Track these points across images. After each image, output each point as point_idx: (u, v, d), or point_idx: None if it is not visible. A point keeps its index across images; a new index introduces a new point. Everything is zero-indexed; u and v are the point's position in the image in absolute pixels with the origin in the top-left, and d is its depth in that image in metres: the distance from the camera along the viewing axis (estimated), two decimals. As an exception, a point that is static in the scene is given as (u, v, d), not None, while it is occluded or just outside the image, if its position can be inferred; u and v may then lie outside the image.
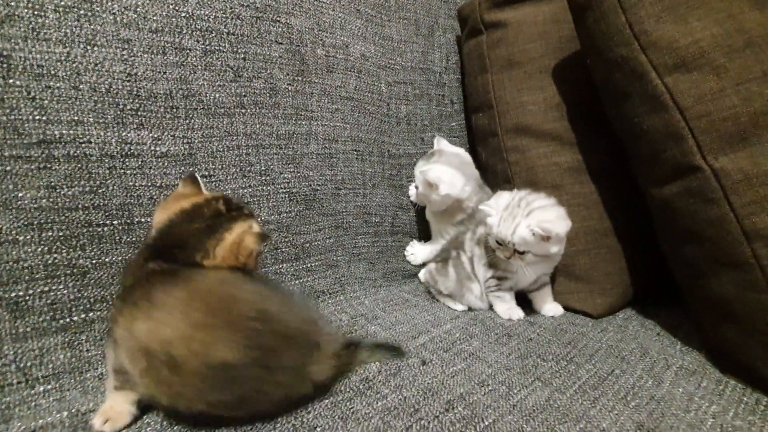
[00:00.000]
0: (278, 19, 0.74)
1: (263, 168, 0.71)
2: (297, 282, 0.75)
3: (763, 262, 0.53)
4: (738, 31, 0.56)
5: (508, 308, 0.75)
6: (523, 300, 0.78)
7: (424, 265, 0.90)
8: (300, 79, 0.76)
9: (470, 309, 0.78)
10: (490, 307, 0.78)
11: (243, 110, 0.70)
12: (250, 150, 0.70)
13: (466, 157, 0.88)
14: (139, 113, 0.62)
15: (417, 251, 0.91)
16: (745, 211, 0.54)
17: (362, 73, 0.84)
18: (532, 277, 0.73)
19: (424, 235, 0.94)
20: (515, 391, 0.53)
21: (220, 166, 0.67)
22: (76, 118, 0.57)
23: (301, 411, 0.48)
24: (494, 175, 0.91)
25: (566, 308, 0.80)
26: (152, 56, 0.63)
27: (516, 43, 0.86)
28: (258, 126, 0.71)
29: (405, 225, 0.92)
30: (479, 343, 0.65)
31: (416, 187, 0.85)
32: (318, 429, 0.45)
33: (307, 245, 0.77)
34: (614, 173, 0.79)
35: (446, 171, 0.81)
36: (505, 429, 0.47)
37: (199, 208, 0.52)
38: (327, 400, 0.50)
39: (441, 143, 0.89)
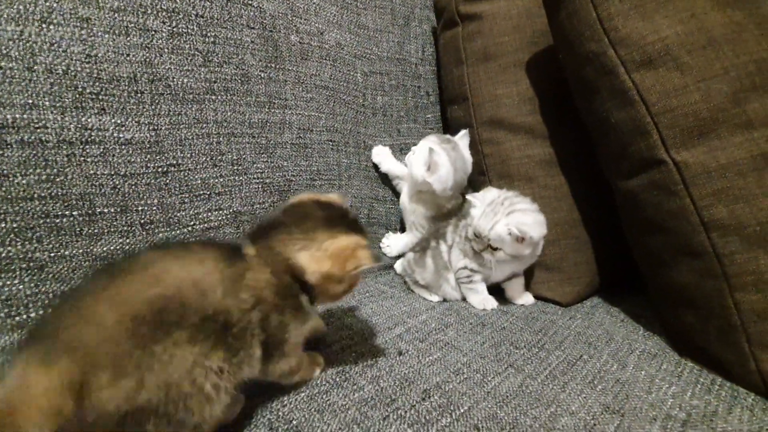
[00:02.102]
0: (250, 2, 0.72)
1: (235, 157, 0.69)
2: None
3: (719, 251, 0.56)
4: (700, 30, 0.58)
5: (482, 299, 0.77)
6: (496, 289, 0.80)
7: (399, 256, 0.90)
8: (273, 66, 0.74)
9: (445, 300, 0.79)
10: (464, 298, 0.79)
11: (213, 97, 0.67)
12: (221, 138, 0.68)
13: (468, 163, 0.85)
14: (100, 97, 0.58)
15: (392, 243, 0.91)
16: (704, 202, 0.57)
17: (337, 61, 0.83)
18: (501, 276, 0.75)
19: (401, 227, 0.94)
20: (489, 379, 0.55)
21: (189, 155, 0.65)
22: (30, 101, 0.53)
23: (276, 405, 0.47)
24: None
25: (537, 297, 0.82)
26: (114, 37, 0.59)
27: (491, 36, 0.87)
28: (229, 113, 0.69)
29: (381, 217, 0.92)
30: (454, 332, 0.66)
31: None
32: (294, 422, 0.45)
33: (281, 237, 0.75)
34: (584, 166, 0.82)
35: (447, 168, 0.78)
36: (479, 415, 0.48)
37: (329, 203, 0.50)
38: (303, 393, 0.50)
39: (463, 139, 0.85)
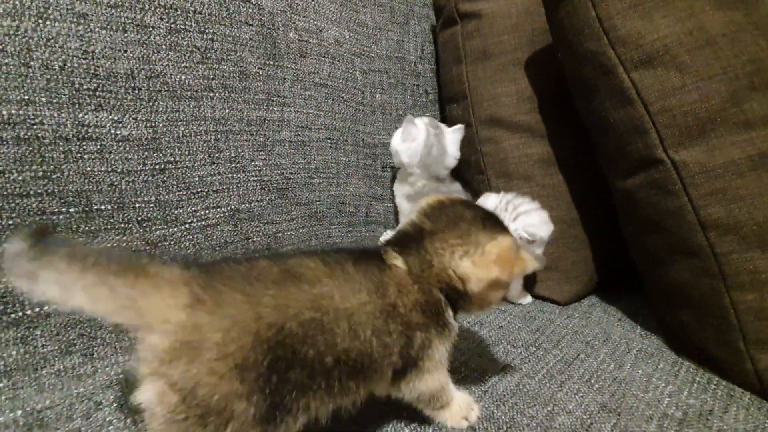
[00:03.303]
0: (248, -1, 0.71)
1: (233, 155, 0.69)
2: (268, 272, 0.73)
3: (717, 251, 0.57)
4: (699, 29, 0.58)
5: None
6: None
7: None
8: (271, 63, 0.74)
9: None
10: None
11: (211, 94, 0.67)
12: (219, 136, 0.68)
13: (449, 155, 0.86)
14: (97, 94, 0.58)
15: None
16: (702, 202, 0.57)
17: (336, 59, 0.83)
18: None
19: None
20: (487, 377, 0.55)
21: (186, 152, 0.64)
22: (26, 97, 0.53)
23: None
24: (467, 165, 0.92)
25: (535, 296, 0.82)
26: (111, 33, 0.59)
27: (490, 35, 0.87)
28: (227, 111, 0.68)
29: (379, 215, 0.92)
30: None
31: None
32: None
33: (280, 235, 0.75)
34: (582, 165, 0.82)
35: (419, 144, 0.81)
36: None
37: (468, 201, 0.48)
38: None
39: (455, 133, 0.87)
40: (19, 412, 0.45)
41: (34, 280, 0.30)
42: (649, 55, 0.59)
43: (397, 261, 0.41)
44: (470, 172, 0.91)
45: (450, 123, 0.97)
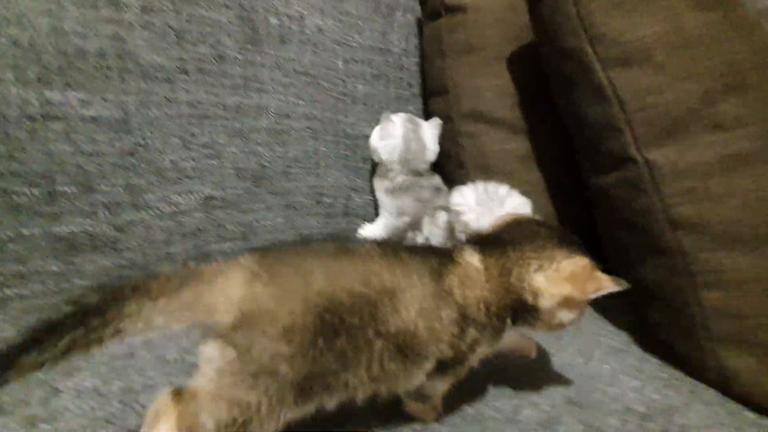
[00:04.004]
0: (228, -19, 0.70)
1: (207, 140, 0.68)
2: (243, 261, 0.72)
3: (685, 249, 0.57)
4: (677, 30, 0.59)
5: None
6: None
7: None
8: (250, 48, 0.72)
9: None
10: None
11: (186, 76, 0.65)
12: (193, 120, 0.66)
13: (427, 150, 0.86)
14: (65, 72, 0.56)
15: (369, 233, 0.90)
16: (672, 201, 0.58)
17: (318, 47, 0.81)
18: None
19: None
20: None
21: (158, 135, 0.63)
22: (-11, 72, 0.51)
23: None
24: (448, 159, 0.92)
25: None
26: (83, 10, 0.57)
27: (474, 28, 0.87)
28: (202, 95, 0.67)
29: (359, 208, 0.91)
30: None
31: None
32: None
33: (255, 224, 0.74)
34: (561, 162, 0.82)
35: (397, 140, 0.81)
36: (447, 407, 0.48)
37: (547, 223, 0.48)
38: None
39: (432, 128, 0.88)
40: (-29, 398, 0.43)
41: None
42: (626, 54, 0.60)
43: (473, 259, 0.42)
44: (450, 166, 0.90)
45: (432, 117, 0.97)
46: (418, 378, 0.40)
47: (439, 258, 0.41)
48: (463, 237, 0.71)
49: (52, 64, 0.55)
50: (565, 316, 0.43)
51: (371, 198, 0.93)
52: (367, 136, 0.91)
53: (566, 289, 0.41)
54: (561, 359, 0.59)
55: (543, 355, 0.60)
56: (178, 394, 0.37)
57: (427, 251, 0.42)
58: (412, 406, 0.45)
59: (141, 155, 0.61)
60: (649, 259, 0.62)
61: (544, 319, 0.43)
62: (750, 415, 0.54)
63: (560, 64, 0.68)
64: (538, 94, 0.82)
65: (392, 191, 0.84)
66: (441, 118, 0.93)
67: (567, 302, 0.42)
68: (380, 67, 0.94)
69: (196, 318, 0.33)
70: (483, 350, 0.43)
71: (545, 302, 0.41)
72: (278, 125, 0.76)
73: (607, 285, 0.42)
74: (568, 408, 0.50)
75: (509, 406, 0.50)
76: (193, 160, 0.66)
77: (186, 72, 0.65)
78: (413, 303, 0.37)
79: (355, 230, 0.91)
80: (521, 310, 0.42)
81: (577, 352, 0.61)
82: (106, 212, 0.58)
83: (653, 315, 0.63)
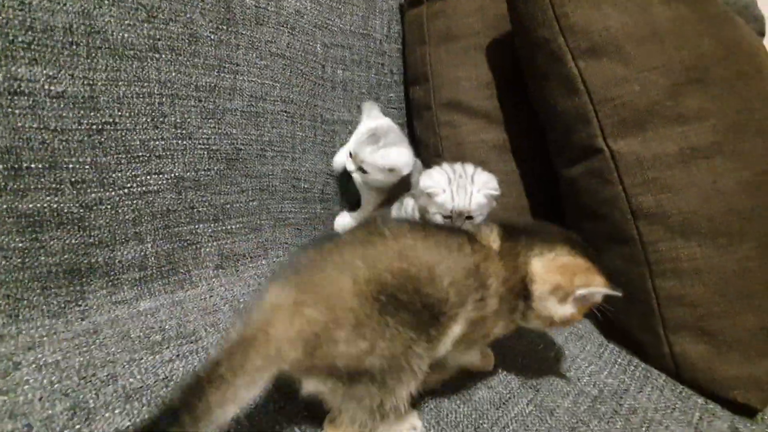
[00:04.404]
0: (202, -41, 0.68)
1: (179, 120, 0.67)
2: (215, 244, 0.72)
3: (645, 239, 0.59)
4: (646, 22, 0.59)
5: None
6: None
7: None
8: (225, 28, 0.71)
9: None
10: None
11: (157, 55, 0.64)
12: (164, 99, 0.65)
13: (395, 126, 0.83)
14: (32, 47, 0.55)
15: (347, 222, 0.90)
16: (634, 191, 0.59)
17: (296, 30, 0.81)
18: None
19: (357, 205, 0.94)
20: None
21: (127, 114, 0.62)
22: (-51, 44, 0.50)
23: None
24: (426, 148, 0.92)
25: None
26: (48, -17, 0.56)
27: (454, 17, 0.86)
28: (174, 74, 0.66)
29: (335, 193, 0.91)
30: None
31: (362, 170, 0.78)
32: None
33: (228, 206, 0.74)
34: (535, 154, 0.83)
35: (404, 152, 0.77)
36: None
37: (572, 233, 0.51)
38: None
39: (379, 120, 0.82)
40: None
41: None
42: (596, 45, 0.60)
43: (494, 240, 0.46)
44: (428, 154, 0.91)
45: (413, 105, 0.97)
46: (447, 342, 0.43)
47: (463, 236, 0.44)
48: (439, 218, 0.72)
49: (18, 39, 0.54)
50: (555, 308, 0.45)
51: (348, 183, 0.93)
52: (346, 122, 0.91)
53: (556, 278, 0.44)
54: (521, 344, 0.61)
55: (504, 342, 0.61)
56: (330, 418, 0.40)
57: (449, 229, 0.46)
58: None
59: (109, 133, 0.61)
60: (612, 248, 0.63)
61: (536, 306, 0.45)
62: (699, 400, 0.56)
63: (534, 54, 0.68)
64: (515, 84, 0.82)
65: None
66: (420, 106, 0.93)
67: (556, 290, 0.44)
68: (361, 52, 0.93)
69: (272, 371, 0.35)
70: (503, 325, 0.46)
71: (537, 287, 0.44)
72: (253, 107, 0.75)
73: (596, 282, 0.45)
74: (523, 390, 0.52)
75: (465, 388, 0.51)
76: (164, 139, 0.66)
77: (157, 50, 0.64)
78: (446, 275, 0.40)
79: (332, 216, 0.91)
80: (523, 296, 0.45)
81: (538, 338, 0.63)
82: (72, 190, 0.58)
83: (614, 304, 0.64)
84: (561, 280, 0.44)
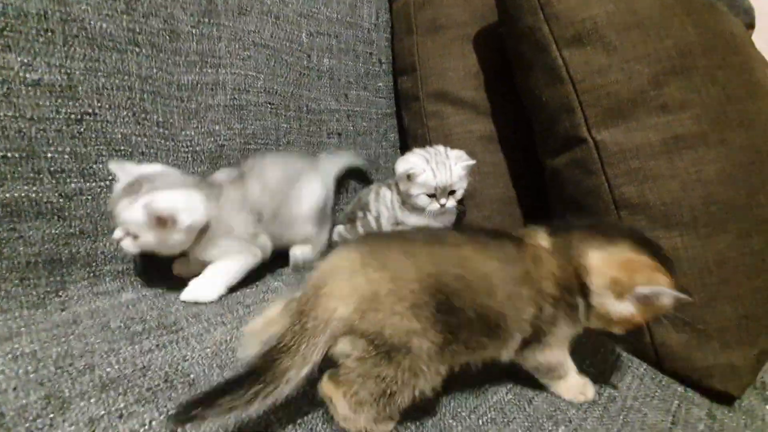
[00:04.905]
0: (183, -53, 0.67)
1: (161, 119, 0.66)
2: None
3: (628, 229, 0.59)
4: (630, 12, 0.59)
5: None
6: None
7: None
8: (206, 20, 0.70)
9: None
10: None
11: (137, 49, 0.63)
12: (145, 95, 0.64)
13: (173, 170, 0.61)
14: (5, 33, 0.54)
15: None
16: (617, 181, 0.59)
17: (280, 19, 0.80)
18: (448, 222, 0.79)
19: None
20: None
21: (107, 105, 0.61)
22: None
23: (178, 359, 0.47)
24: (414, 139, 0.92)
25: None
26: (22, -31, 0.55)
27: (441, 7, 0.86)
28: (155, 71, 0.65)
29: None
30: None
31: (133, 236, 0.55)
32: (192, 376, 0.45)
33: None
34: (522, 145, 0.83)
35: (181, 195, 0.56)
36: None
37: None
38: (209, 350, 0.49)
39: (132, 168, 0.57)
40: None
41: None
42: (580, 33, 0.60)
43: (542, 239, 0.46)
44: (416, 145, 0.90)
45: (401, 95, 0.96)
46: (506, 353, 0.45)
47: (513, 242, 0.45)
48: (423, 199, 0.72)
49: (-7, 25, 0.54)
50: (612, 305, 0.42)
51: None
52: (333, 111, 0.90)
53: (614, 272, 0.42)
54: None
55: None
56: (335, 376, 0.40)
57: (500, 235, 0.45)
58: (552, 385, 0.50)
59: (89, 124, 0.60)
60: (595, 238, 0.63)
61: (594, 303, 0.43)
62: (679, 388, 0.57)
63: (519, 44, 0.68)
64: (503, 75, 0.82)
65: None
66: (408, 97, 0.93)
67: (614, 285, 0.42)
68: (348, 41, 0.92)
69: (327, 329, 0.36)
70: (565, 328, 0.45)
71: (594, 281, 0.42)
72: (235, 101, 0.75)
73: (660, 282, 0.41)
74: (502, 379, 0.52)
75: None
76: (146, 137, 0.65)
77: (137, 44, 0.63)
78: (503, 285, 0.41)
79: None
80: (582, 293, 0.44)
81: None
82: (51, 179, 0.57)
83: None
84: (619, 275, 0.42)
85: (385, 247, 0.41)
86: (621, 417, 0.50)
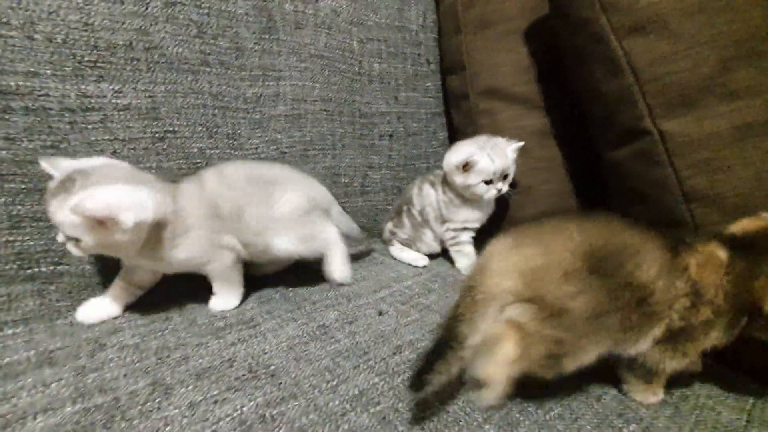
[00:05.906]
0: (244, -28, 0.72)
1: (230, 131, 0.72)
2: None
3: (699, 222, 0.57)
4: (693, -5, 0.56)
5: (471, 264, 0.79)
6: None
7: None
8: (267, 36, 0.75)
9: (429, 257, 0.85)
10: (443, 252, 0.84)
11: (208, 68, 0.69)
12: (216, 111, 0.70)
13: (120, 163, 0.56)
14: (98, 65, 0.61)
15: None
16: (686, 173, 0.57)
17: (333, 29, 0.83)
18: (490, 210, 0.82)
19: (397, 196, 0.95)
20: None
21: (185, 123, 0.68)
22: (32, 69, 0.57)
23: (258, 352, 0.52)
24: (464, 137, 0.92)
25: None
26: (110, 5, 0.62)
27: (489, 3, 0.85)
28: (224, 87, 0.71)
29: (375, 185, 0.94)
30: (436, 297, 0.69)
31: (73, 240, 0.50)
32: (272, 367, 0.49)
33: (276, 206, 0.78)
34: (576, 138, 0.81)
35: (124, 191, 0.50)
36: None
37: None
38: (284, 343, 0.54)
39: (65, 163, 0.51)
40: (32, 352, 0.51)
41: None
42: (641, 22, 0.58)
43: (719, 251, 0.44)
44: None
45: (450, 94, 0.97)
46: (647, 339, 0.44)
47: (676, 239, 0.45)
48: (482, 188, 0.74)
49: (86, 58, 0.60)
50: None
51: (388, 173, 0.95)
52: (384, 113, 0.92)
53: None
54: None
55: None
56: (513, 323, 0.42)
57: (662, 228, 0.46)
58: (633, 387, 0.49)
59: (170, 141, 0.67)
60: (662, 232, 0.61)
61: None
62: (753, 387, 0.54)
63: (574, 36, 0.66)
64: (554, 68, 0.80)
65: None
66: (457, 96, 0.93)
67: None
68: (397, 44, 0.94)
69: (494, 300, 0.41)
70: (716, 337, 0.44)
71: None
72: (295, 110, 0.79)
73: None
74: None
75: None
76: (218, 149, 0.71)
77: (208, 64, 0.69)
78: (652, 264, 0.42)
79: (374, 208, 0.94)
80: (755, 315, 0.43)
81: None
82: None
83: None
84: None
85: (537, 227, 0.46)
86: (693, 416, 0.48)
